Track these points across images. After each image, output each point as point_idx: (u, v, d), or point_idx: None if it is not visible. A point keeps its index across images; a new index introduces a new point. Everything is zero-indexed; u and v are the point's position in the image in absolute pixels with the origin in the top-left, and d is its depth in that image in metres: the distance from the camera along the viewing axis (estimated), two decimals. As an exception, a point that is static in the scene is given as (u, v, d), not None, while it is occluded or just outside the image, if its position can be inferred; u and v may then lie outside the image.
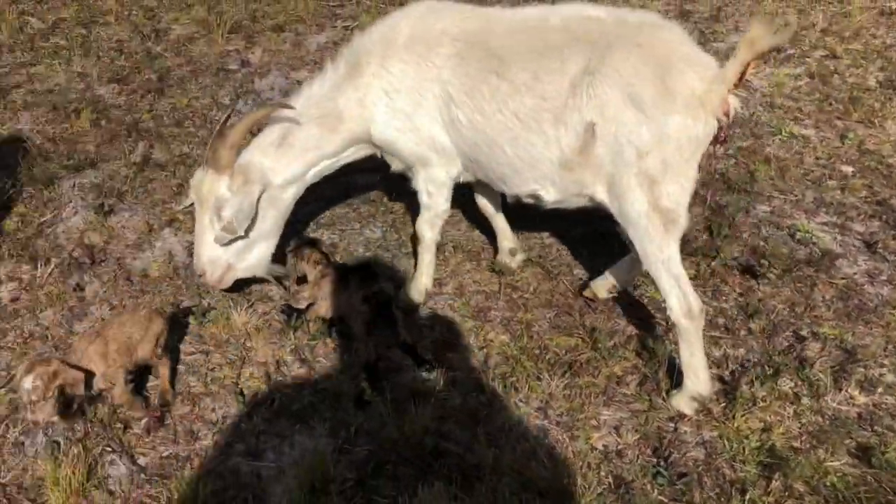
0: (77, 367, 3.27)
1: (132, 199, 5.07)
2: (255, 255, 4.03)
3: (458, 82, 3.64)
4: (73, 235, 4.74)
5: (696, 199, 4.40)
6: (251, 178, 3.84)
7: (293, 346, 3.92)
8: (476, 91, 3.59)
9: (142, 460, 3.35)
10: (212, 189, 3.81)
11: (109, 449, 3.37)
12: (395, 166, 4.16)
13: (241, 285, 4.20)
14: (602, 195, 3.47)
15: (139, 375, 3.65)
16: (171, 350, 3.76)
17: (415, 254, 4.44)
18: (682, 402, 3.52)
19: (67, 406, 3.24)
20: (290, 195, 4.04)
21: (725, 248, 4.40)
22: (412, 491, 3.09)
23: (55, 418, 3.20)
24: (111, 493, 3.18)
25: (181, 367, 3.83)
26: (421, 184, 4.03)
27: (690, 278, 3.48)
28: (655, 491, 3.10)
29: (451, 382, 3.68)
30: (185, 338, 4.00)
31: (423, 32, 3.79)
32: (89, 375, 3.31)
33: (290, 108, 3.90)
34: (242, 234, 3.83)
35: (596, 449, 3.34)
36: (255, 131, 4.16)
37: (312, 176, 4.07)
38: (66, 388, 3.20)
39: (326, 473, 3.19)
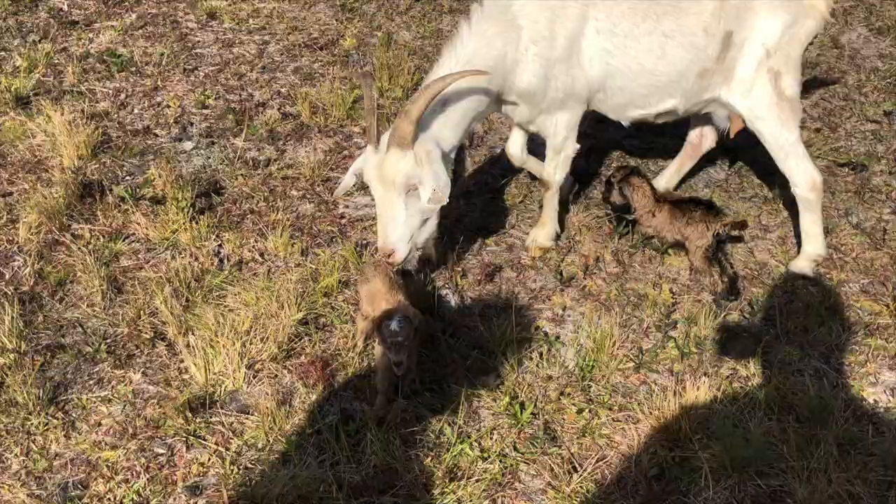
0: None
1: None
2: (430, 225, 3.87)
3: (605, 15, 3.94)
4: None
5: None
6: (430, 147, 3.72)
7: (614, 249, 4.42)
8: (625, 18, 3.96)
9: (468, 301, 4.08)
10: (399, 167, 3.64)
11: (447, 286, 4.14)
12: (518, 118, 4.24)
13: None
14: (727, 95, 4.14)
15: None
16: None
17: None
18: (803, 265, 4.24)
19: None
20: (452, 158, 4.02)
21: None
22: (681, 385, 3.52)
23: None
24: (441, 317, 3.94)
25: (517, 242, 4.50)
26: (552, 128, 4.17)
27: None
28: (910, 448, 3.22)
29: (746, 311, 4.01)
30: (528, 219, 4.67)
31: None
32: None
33: (485, 73, 3.78)
34: (447, 201, 3.71)
35: (865, 400, 3.49)
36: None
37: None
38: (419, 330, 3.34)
39: (612, 346, 3.72)
